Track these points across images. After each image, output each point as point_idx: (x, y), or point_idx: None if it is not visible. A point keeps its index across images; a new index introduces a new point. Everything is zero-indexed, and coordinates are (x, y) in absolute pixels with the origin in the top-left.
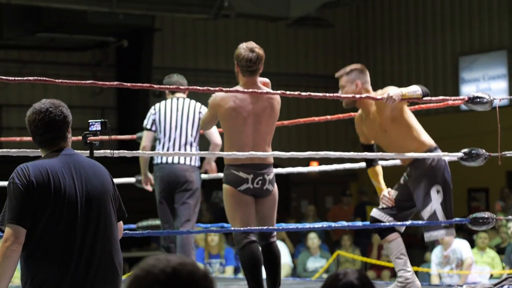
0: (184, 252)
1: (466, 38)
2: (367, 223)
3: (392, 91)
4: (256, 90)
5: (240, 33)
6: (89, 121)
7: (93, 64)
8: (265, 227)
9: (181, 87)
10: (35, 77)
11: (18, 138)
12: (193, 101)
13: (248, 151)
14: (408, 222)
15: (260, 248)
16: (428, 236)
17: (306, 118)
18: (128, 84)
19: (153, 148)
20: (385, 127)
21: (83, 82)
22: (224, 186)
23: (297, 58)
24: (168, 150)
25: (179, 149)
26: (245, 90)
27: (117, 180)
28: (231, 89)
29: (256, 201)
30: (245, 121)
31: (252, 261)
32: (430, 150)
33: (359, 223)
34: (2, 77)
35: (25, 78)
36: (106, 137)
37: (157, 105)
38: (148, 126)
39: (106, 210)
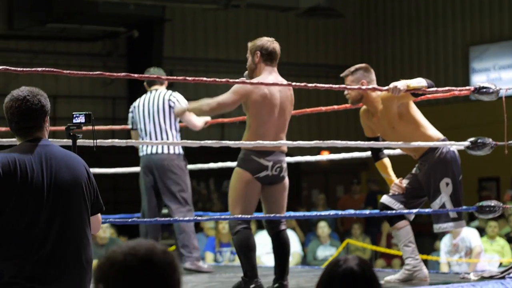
0: (184, 239)
1: (476, 28)
2: (376, 211)
3: (397, 82)
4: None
5: (250, 23)
6: (73, 113)
7: (103, 54)
8: (273, 215)
9: (188, 78)
10: (43, 68)
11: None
12: (164, 91)
13: (271, 139)
14: (415, 211)
15: (252, 234)
16: (437, 227)
17: (316, 107)
18: (136, 75)
19: None
20: (393, 124)
21: (91, 73)
22: (239, 170)
23: (307, 48)
24: (150, 139)
25: (156, 139)
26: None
27: (116, 170)
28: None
29: (268, 188)
30: (274, 109)
31: (246, 245)
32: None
33: (366, 211)
34: (10, 67)
35: (33, 69)
36: (90, 128)
37: (134, 103)
38: (130, 126)
39: (75, 203)
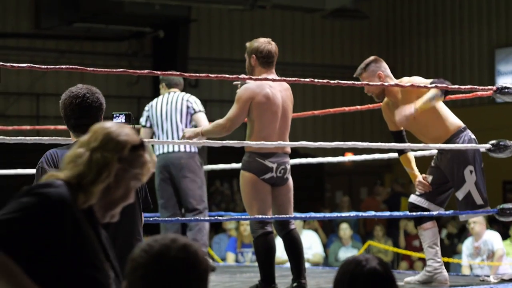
0: (195, 234)
1: (502, 30)
2: (397, 213)
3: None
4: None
5: (276, 24)
6: (113, 113)
7: (129, 54)
8: (286, 216)
9: (211, 75)
10: (67, 66)
11: (52, 127)
12: (182, 93)
13: (274, 140)
14: (435, 213)
15: (274, 240)
16: (464, 217)
17: (342, 107)
18: (159, 72)
19: None
20: (413, 114)
21: (114, 70)
22: (245, 173)
23: (333, 50)
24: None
25: (172, 138)
26: (275, 78)
27: None
28: (260, 77)
29: (273, 190)
30: (277, 109)
31: (266, 250)
32: (459, 131)
33: (386, 213)
34: (35, 65)
35: (57, 67)
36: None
37: (150, 102)
38: (143, 123)
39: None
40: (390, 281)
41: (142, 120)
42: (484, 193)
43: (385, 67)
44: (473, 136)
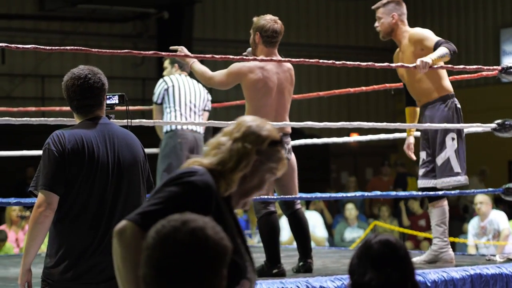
0: None
1: (507, 10)
2: (402, 193)
3: (424, 58)
4: (290, 59)
5: (281, 4)
6: (107, 94)
7: (134, 36)
8: (291, 196)
9: (216, 55)
10: (72, 47)
11: (58, 108)
12: (200, 85)
13: (271, 121)
14: (441, 192)
15: (277, 219)
16: (440, 182)
17: (347, 89)
18: (164, 53)
19: None
20: (411, 63)
21: (119, 51)
22: None
23: (337, 30)
24: (186, 119)
25: (195, 119)
26: (276, 58)
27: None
28: (264, 58)
29: None
30: (271, 91)
31: (270, 230)
32: (448, 96)
33: (392, 193)
34: (39, 46)
35: (62, 48)
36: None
37: (166, 81)
38: (159, 101)
39: (135, 181)
40: (401, 250)
41: (156, 97)
42: (463, 161)
43: (403, 11)
44: (459, 106)
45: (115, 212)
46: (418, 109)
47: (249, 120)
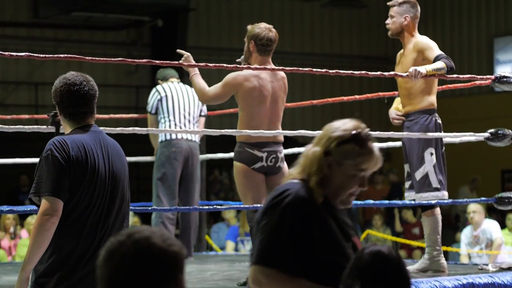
0: (190, 228)
1: (501, 19)
2: (395, 202)
3: (419, 67)
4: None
5: (275, 13)
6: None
7: (128, 43)
8: None
9: (209, 64)
10: (65, 55)
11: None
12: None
13: (264, 129)
14: (434, 202)
15: None
16: (419, 197)
17: (340, 97)
18: (158, 62)
19: None
20: (408, 68)
21: (112, 59)
22: (236, 163)
23: (331, 39)
24: (181, 128)
25: (190, 127)
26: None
27: (138, 159)
28: (257, 66)
29: (267, 179)
30: (265, 99)
31: None
32: (431, 110)
33: (385, 202)
34: (33, 54)
35: (55, 56)
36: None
37: (159, 90)
38: (153, 111)
39: (125, 189)
40: (393, 262)
41: (152, 108)
42: (441, 176)
43: (416, 15)
44: (439, 121)
45: (109, 219)
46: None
47: (329, 124)
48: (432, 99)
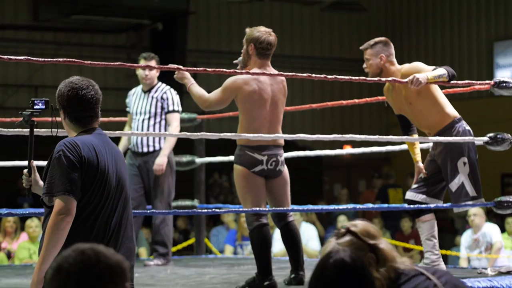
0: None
1: (501, 23)
2: (394, 205)
3: (418, 74)
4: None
5: (274, 17)
6: (33, 99)
7: (127, 47)
8: (283, 208)
9: (208, 69)
10: (64, 59)
11: (50, 119)
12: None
13: (265, 133)
14: (433, 205)
15: (269, 231)
16: (457, 208)
17: (340, 101)
18: (156, 66)
19: None
20: (410, 100)
21: (112, 63)
22: (236, 167)
23: (331, 43)
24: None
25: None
26: (269, 72)
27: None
28: (256, 71)
29: (267, 182)
30: (265, 103)
31: (262, 242)
32: (454, 121)
33: (384, 205)
34: (32, 58)
35: (54, 59)
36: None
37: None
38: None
39: (128, 192)
40: (357, 274)
41: (177, 106)
42: (478, 185)
43: (391, 52)
44: (467, 128)
45: (117, 220)
46: (415, 136)
47: None
48: (449, 110)
